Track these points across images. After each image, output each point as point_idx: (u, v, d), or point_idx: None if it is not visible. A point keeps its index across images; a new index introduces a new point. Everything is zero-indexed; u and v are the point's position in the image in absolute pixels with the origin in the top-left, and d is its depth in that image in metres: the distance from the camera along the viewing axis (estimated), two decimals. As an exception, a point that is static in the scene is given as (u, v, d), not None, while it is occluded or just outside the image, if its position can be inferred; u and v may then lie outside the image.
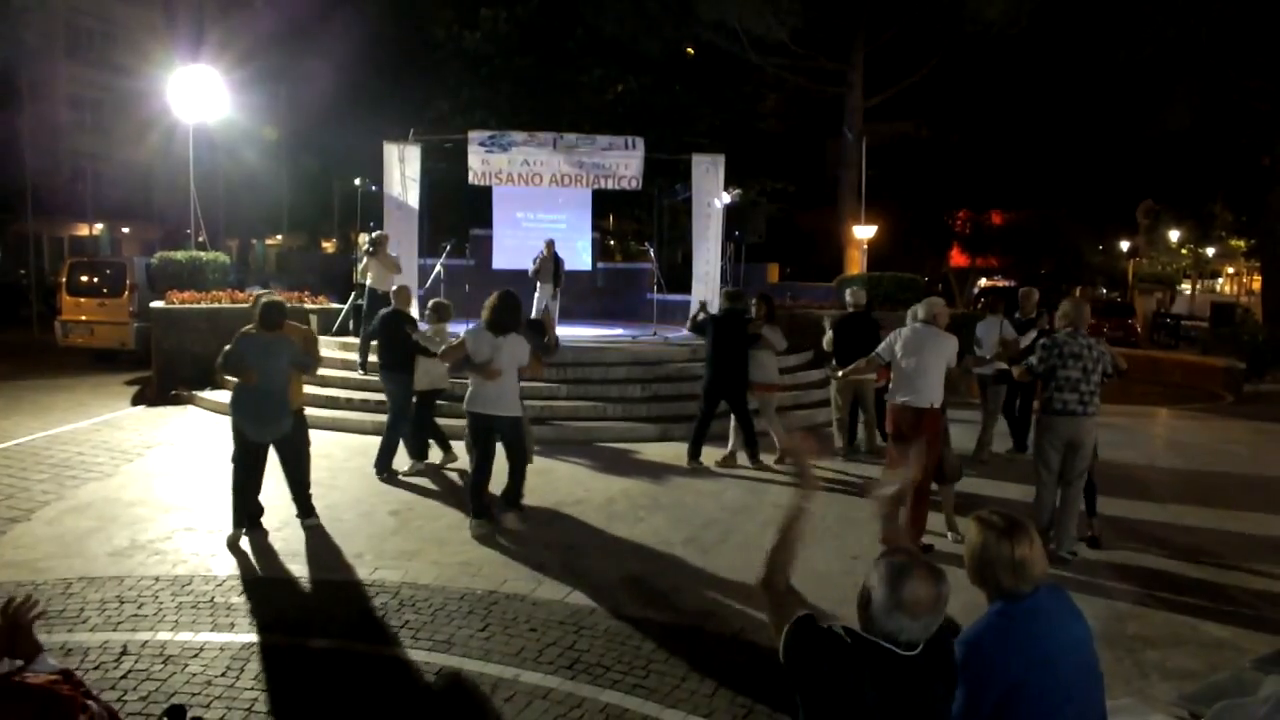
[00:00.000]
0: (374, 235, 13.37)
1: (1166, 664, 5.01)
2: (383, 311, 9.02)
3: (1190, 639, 5.38)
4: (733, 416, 9.19)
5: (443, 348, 7.08)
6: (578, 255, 18.64)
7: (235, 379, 6.87)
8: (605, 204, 22.98)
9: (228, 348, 6.75)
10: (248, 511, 6.77)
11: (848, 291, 10.27)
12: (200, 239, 15.39)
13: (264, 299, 6.97)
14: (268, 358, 6.59)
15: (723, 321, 9.16)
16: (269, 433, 6.72)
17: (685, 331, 10.71)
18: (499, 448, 7.14)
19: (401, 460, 8.82)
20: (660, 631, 5.25)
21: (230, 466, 6.83)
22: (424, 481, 8.59)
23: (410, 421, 8.81)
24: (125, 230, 36.22)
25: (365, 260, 12.80)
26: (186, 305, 13.23)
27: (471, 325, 7.07)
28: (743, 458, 9.22)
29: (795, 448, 2.72)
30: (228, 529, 6.77)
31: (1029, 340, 8.74)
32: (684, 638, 5.18)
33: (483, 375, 6.81)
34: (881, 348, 7.09)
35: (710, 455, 9.29)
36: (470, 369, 6.86)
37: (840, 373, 8.46)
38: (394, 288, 9.52)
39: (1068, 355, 6.49)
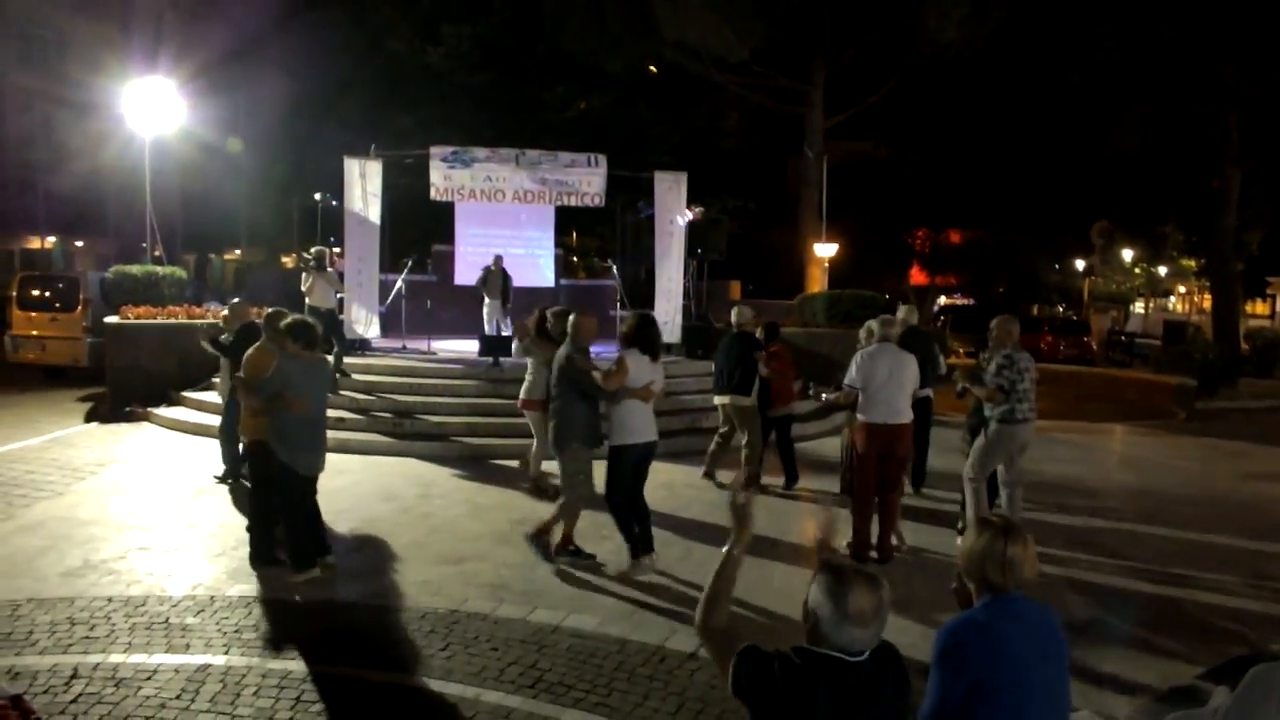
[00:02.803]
0: (315, 250, 12.94)
1: (1120, 676, 5.09)
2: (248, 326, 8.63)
3: (1143, 651, 5.48)
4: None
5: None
6: (540, 272, 18.62)
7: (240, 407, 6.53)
8: (568, 220, 22.99)
9: (271, 376, 6.16)
10: (318, 542, 6.46)
11: (734, 311, 9.66)
12: (156, 253, 15.17)
13: (292, 318, 6.52)
14: (312, 381, 6.24)
15: None
16: (321, 462, 6.37)
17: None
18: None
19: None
20: (622, 649, 5.24)
21: (254, 503, 6.66)
22: (382, 499, 8.50)
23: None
24: (79, 244, 35.62)
25: (310, 277, 12.50)
26: (142, 320, 13.03)
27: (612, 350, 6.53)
28: None
29: (738, 494, 2.77)
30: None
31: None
32: (646, 655, 5.17)
33: (642, 398, 6.44)
34: (854, 376, 6.98)
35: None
36: (627, 395, 6.41)
37: (826, 397, 7.83)
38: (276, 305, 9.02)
39: (1023, 370, 6.98)
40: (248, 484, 8.70)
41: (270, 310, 7.05)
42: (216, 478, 8.92)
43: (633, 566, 6.51)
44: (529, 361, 8.67)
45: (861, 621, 2.32)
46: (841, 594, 2.32)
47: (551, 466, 8.83)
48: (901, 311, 7.49)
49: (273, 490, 6.36)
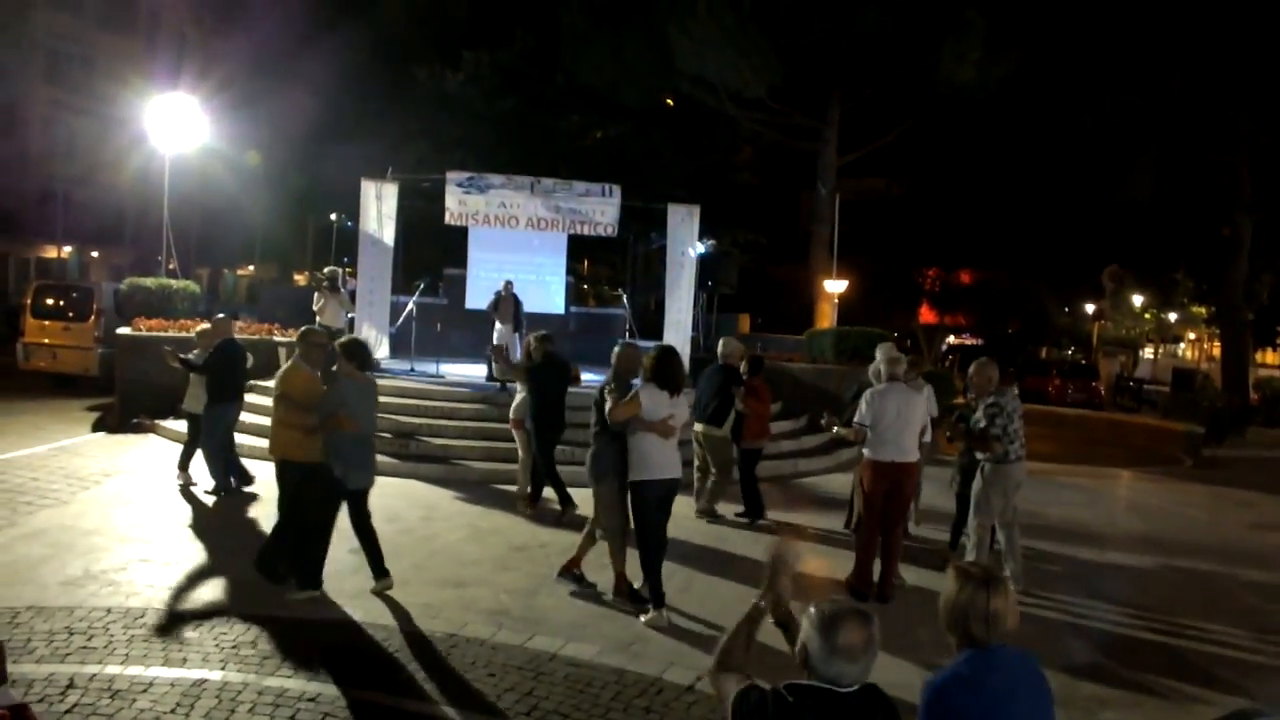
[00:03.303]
0: (329, 270, 13.05)
1: (1121, 725, 5.05)
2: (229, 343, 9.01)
3: (1145, 699, 5.43)
4: (536, 462, 8.86)
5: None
6: (551, 298, 18.69)
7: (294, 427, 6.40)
8: (580, 248, 23.12)
9: (327, 396, 6.19)
10: (375, 563, 6.47)
11: (721, 342, 9.64)
12: (171, 267, 15.29)
13: (347, 338, 6.67)
14: (366, 400, 6.35)
15: (546, 369, 8.52)
16: (371, 478, 6.44)
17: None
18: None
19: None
20: (619, 680, 5.22)
21: (284, 518, 6.58)
22: (385, 520, 8.49)
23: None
24: (95, 254, 35.95)
25: (322, 298, 12.56)
26: (153, 333, 13.10)
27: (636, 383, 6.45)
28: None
29: (779, 555, 2.79)
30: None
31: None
32: (643, 687, 5.15)
33: (660, 434, 6.24)
34: (864, 414, 6.96)
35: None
36: (643, 428, 6.22)
37: (837, 430, 7.79)
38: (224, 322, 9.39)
39: (1011, 413, 7.09)
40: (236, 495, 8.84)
41: (305, 328, 7.00)
42: (187, 488, 9.06)
43: (653, 616, 6.29)
44: (518, 384, 9.06)
45: (850, 656, 2.36)
46: (832, 628, 2.36)
47: (549, 492, 8.95)
48: (881, 350, 7.43)
49: (302, 507, 6.37)
